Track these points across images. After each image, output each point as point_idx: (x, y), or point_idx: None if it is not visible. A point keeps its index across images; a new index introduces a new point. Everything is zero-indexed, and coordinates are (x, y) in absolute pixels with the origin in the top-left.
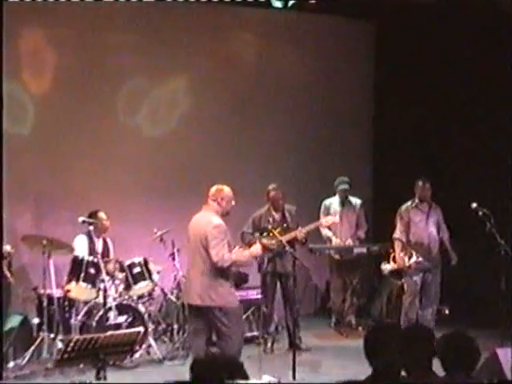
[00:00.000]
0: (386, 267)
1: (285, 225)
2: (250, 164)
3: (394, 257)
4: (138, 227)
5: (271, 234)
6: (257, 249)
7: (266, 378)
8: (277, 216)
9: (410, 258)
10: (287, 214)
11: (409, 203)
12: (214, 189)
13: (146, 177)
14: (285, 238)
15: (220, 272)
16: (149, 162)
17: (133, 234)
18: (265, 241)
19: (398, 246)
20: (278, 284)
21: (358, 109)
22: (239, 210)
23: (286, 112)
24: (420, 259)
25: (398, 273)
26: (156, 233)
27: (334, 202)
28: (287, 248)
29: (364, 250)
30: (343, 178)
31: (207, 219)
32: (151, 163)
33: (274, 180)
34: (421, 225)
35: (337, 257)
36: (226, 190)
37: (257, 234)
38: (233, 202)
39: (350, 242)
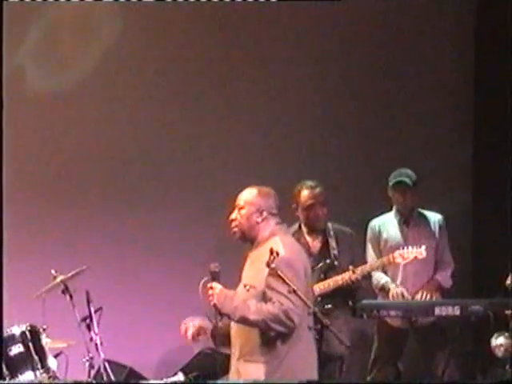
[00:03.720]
0: (503, 343)
1: (328, 260)
2: (248, 151)
3: None
4: (17, 265)
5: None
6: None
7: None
8: (314, 243)
9: None
10: (331, 240)
11: None
12: None
13: (34, 167)
14: (325, 288)
15: None
16: (41, 138)
17: (8, 280)
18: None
19: None
20: None
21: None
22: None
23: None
24: None
25: None
26: (55, 277)
27: (389, 221)
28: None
29: (455, 310)
30: (403, 171)
31: None
32: (46, 141)
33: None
34: None
35: (397, 323)
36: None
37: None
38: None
39: (425, 295)
